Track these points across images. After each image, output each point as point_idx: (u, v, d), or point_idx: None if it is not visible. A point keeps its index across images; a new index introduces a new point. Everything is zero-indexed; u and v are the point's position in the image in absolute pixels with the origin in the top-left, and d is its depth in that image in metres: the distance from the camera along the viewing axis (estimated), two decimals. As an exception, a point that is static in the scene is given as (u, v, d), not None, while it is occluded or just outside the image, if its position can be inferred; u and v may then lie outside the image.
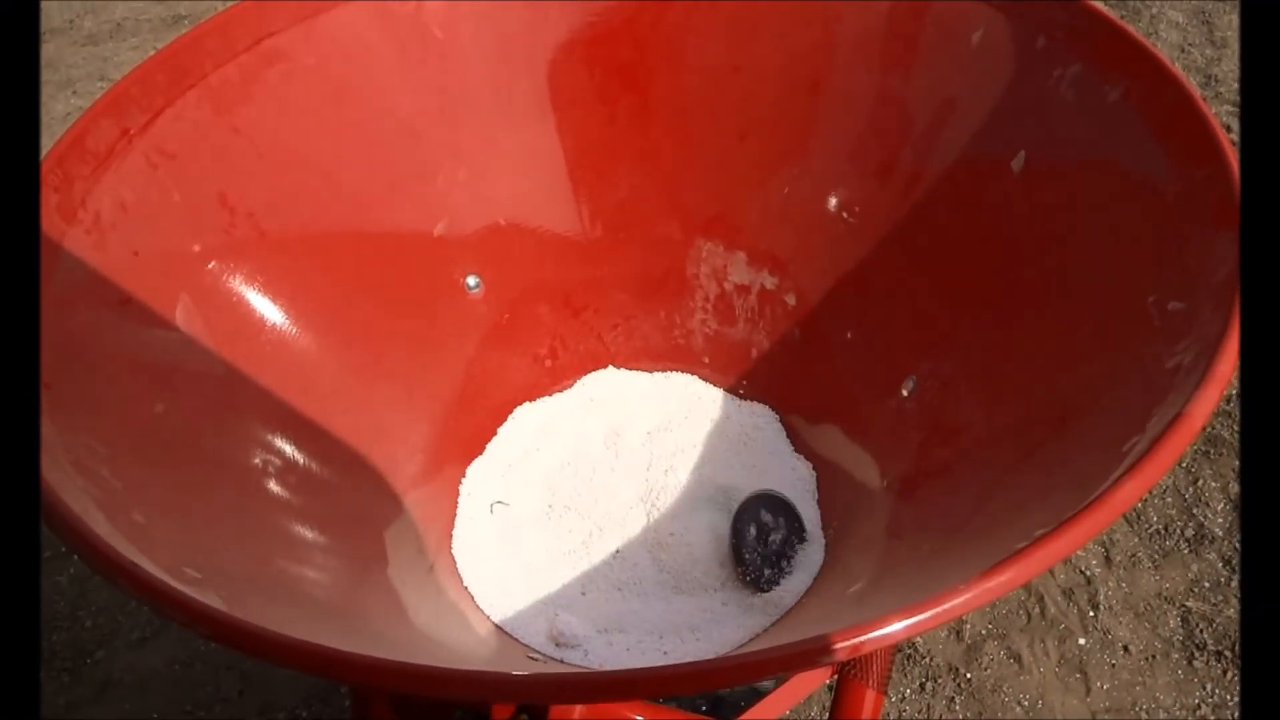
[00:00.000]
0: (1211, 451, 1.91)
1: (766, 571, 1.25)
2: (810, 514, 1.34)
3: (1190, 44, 2.98)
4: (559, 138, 1.44)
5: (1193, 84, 0.94)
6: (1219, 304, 0.79)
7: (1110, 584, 1.71)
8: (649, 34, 1.39)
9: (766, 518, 1.29)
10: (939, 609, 0.59)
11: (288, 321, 1.20)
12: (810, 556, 1.29)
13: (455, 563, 1.31)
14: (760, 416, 1.49)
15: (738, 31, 1.36)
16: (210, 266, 1.13)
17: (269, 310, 1.18)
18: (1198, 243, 0.88)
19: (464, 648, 1.12)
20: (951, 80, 1.23)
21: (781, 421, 1.48)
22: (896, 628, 0.59)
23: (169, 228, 1.09)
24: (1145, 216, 0.96)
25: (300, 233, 1.24)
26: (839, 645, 0.59)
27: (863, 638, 0.59)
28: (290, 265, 1.21)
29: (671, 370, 1.57)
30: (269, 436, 1.11)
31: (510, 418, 1.51)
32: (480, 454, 1.46)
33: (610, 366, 1.58)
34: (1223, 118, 2.65)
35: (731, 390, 1.54)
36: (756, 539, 1.27)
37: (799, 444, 1.45)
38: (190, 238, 1.12)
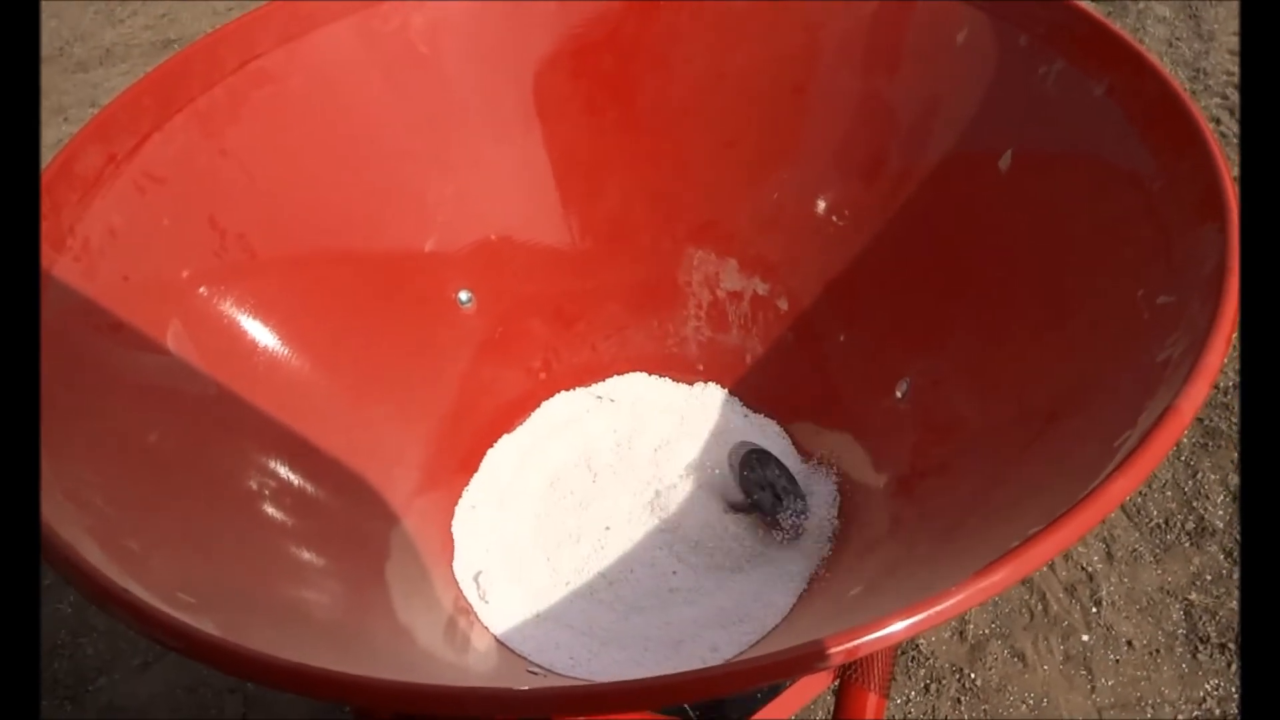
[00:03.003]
0: (1210, 444, 1.90)
1: (784, 508, 1.30)
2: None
3: (1178, 38, 2.98)
4: (546, 150, 1.44)
5: (1175, 77, 0.94)
6: (1207, 296, 0.79)
7: (1112, 579, 1.71)
8: (633, 43, 1.39)
9: (755, 466, 1.35)
10: (931, 610, 0.59)
11: (280, 343, 1.19)
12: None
13: (453, 577, 1.31)
14: (764, 425, 1.49)
15: (721, 38, 1.36)
16: (201, 290, 1.13)
17: (260, 332, 1.18)
18: (1185, 236, 0.88)
19: (463, 663, 1.12)
20: (936, 80, 1.23)
21: (782, 426, 1.48)
22: (891, 630, 0.59)
23: (159, 252, 1.09)
24: (1132, 211, 0.96)
25: (291, 253, 1.24)
26: (834, 650, 0.59)
27: (857, 641, 0.59)
28: (281, 286, 1.21)
29: (666, 379, 1.57)
30: (264, 459, 1.11)
31: (505, 432, 1.50)
32: (476, 469, 1.45)
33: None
34: (1212, 110, 2.65)
35: (730, 396, 1.54)
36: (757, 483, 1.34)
37: (800, 448, 1.44)
38: (181, 262, 1.12)
